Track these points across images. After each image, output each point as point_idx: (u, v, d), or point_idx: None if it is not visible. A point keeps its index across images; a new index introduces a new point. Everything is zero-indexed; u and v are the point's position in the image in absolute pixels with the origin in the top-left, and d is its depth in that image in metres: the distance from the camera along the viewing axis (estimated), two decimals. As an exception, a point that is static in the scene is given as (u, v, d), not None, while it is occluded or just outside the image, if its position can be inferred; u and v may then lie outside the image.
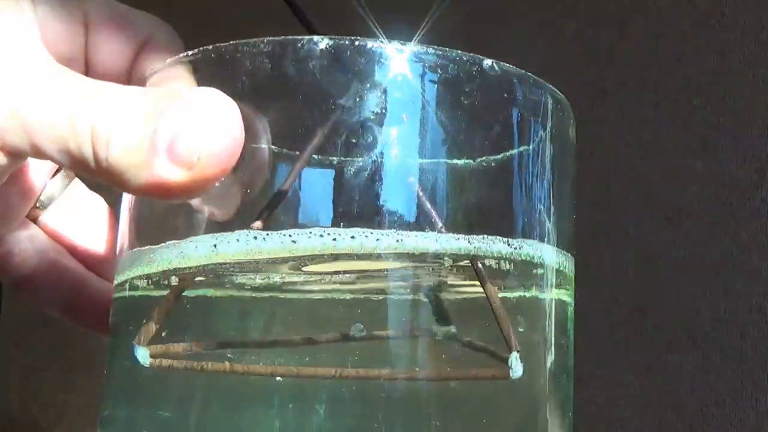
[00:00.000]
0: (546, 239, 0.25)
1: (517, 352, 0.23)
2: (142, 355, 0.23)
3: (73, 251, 0.32)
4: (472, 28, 0.73)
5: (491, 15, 0.73)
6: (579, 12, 0.69)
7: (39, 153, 0.22)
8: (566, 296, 0.26)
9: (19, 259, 0.31)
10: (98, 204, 0.33)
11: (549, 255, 0.25)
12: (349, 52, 0.23)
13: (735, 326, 0.60)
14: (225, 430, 0.23)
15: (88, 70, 0.27)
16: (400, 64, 0.23)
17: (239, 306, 0.25)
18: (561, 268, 0.26)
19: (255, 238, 0.22)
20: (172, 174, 0.21)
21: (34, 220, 0.32)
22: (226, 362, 0.23)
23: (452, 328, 0.24)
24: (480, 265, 0.23)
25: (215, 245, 0.22)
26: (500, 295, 0.24)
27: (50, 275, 0.31)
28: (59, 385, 0.98)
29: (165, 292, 0.24)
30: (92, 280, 0.32)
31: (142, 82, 0.26)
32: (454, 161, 0.24)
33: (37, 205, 0.31)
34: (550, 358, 0.25)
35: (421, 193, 0.23)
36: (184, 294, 0.24)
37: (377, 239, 0.22)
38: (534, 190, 0.25)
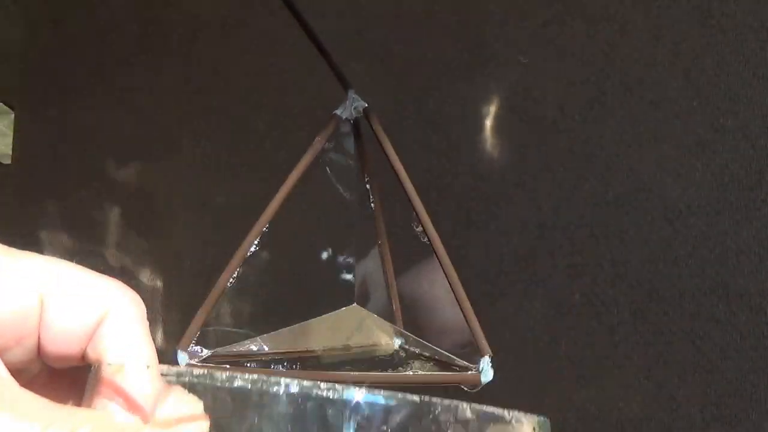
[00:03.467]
0: None
1: (489, 356, 0.22)
2: (182, 358, 0.22)
3: None
4: (473, 29, 0.73)
5: (492, 16, 0.73)
6: (579, 12, 0.69)
7: None
8: None
9: None
10: None
11: None
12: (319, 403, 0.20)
13: (735, 326, 0.60)
14: None
15: (40, 347, 0.25)
16: (369, 415, 0.20)
17: None
18: None
19: None
20: None
21: None
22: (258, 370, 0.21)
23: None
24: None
25: None
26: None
27: None
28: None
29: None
30: None
31: (96, 364, 0.24)
32: None
33: None
34: None
35: None
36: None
37: None
38: None
